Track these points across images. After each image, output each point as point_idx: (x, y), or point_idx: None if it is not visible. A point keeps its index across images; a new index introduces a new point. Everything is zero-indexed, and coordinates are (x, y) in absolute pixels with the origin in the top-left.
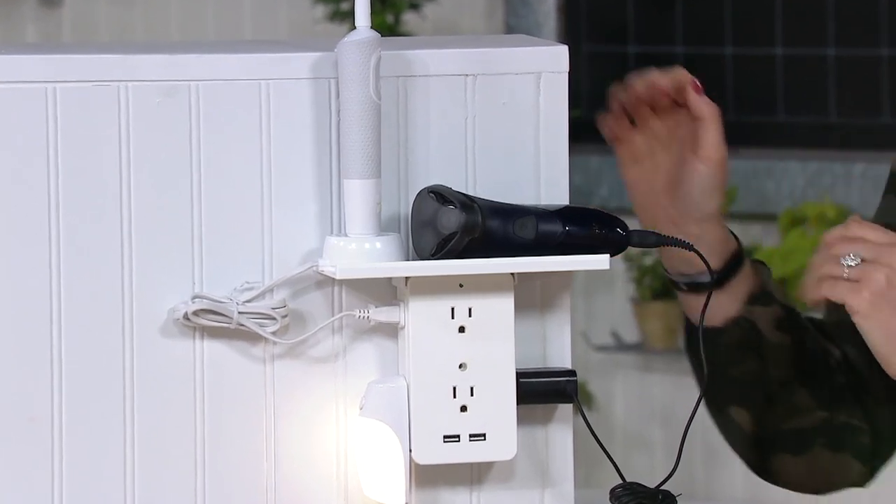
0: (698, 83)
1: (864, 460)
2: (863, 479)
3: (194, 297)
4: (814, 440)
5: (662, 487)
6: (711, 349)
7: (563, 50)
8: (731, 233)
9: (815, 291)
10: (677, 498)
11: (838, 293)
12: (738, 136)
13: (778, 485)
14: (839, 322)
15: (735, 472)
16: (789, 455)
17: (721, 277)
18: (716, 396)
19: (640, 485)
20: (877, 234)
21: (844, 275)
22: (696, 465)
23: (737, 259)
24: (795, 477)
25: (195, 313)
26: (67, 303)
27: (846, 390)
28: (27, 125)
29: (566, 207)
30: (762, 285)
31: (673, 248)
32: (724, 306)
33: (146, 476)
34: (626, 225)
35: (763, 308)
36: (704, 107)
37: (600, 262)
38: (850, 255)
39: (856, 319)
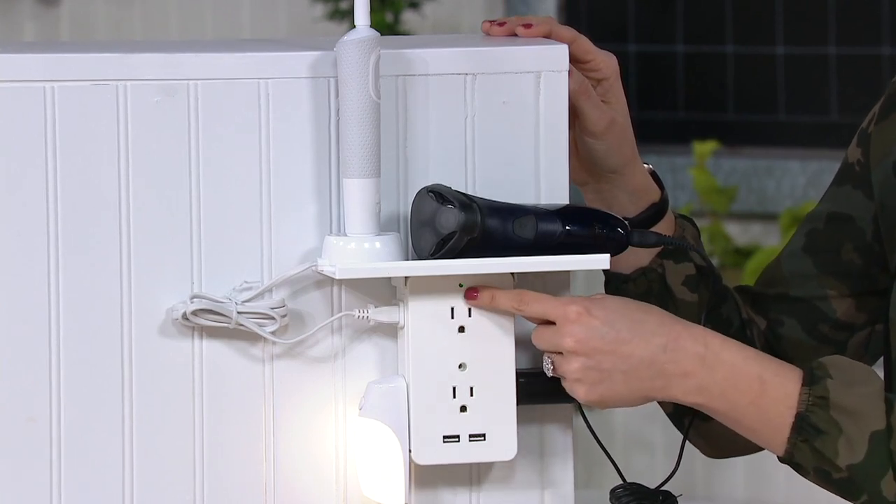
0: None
1: None
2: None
3: (193, 297)
4: None
5: (663, 488)
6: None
7: (563, 49)
8: (659, 183)
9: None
10: (678, 498)
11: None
12: (738, 135)
13: (690, 442)
14: (777, 295)
15: (735, 472)
16: (698, 419)
17: (636, 226)
18: None
19: (640, 485)
20: (542, 306)
21: (550, 374)
22: (697, 465)
23: (656, 210)
24: (701, 438)
25: (194, 313)
26: (67, 303)
27: None
28: (25, 124)
29: (566, 207)
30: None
31: (593, 192)
32: (636, 255)
33: (146, 476)
34: (626, 224)
35: (675, 263)
36: (572, 84)
37: (600, 261)
38: (545, 360)
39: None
